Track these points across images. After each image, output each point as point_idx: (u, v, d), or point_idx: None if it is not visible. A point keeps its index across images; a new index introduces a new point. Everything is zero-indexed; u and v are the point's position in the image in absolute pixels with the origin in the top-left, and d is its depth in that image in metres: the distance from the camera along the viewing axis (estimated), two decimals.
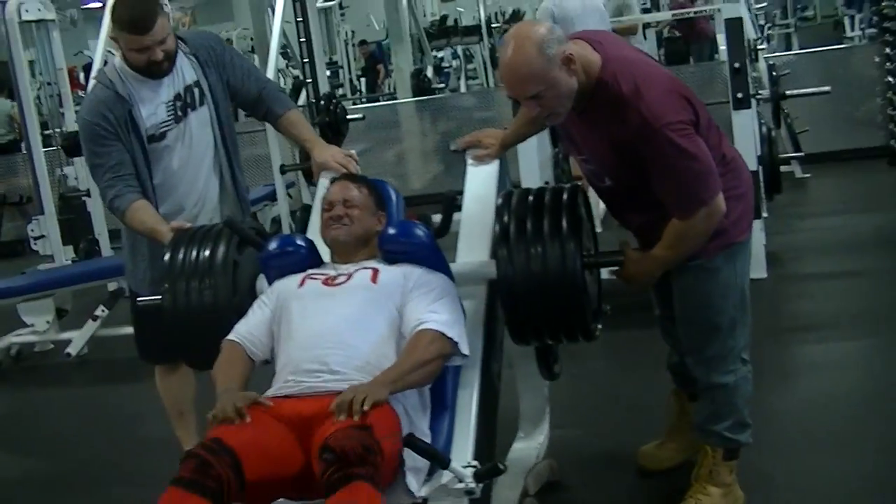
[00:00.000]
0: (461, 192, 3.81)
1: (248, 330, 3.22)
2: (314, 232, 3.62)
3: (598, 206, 8.16)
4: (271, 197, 8.04)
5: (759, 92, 6.95)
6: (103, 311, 6.85)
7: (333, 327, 3.06)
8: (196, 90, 3.94)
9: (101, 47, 8.78)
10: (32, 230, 8.58)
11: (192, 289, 3.36)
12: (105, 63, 7.63)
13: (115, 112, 3.82)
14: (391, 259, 3.30)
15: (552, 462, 3.87)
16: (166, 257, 3.45)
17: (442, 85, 13.55)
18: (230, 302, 3.35)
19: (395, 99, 13.60)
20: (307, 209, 8.10)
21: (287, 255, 3.41)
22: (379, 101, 15.05)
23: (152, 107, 3.87)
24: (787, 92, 7.55)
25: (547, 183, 6.06)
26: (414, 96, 12.38)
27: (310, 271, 3.31)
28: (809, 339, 5.34)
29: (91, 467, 4.95)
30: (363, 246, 3.35)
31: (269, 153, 7.55)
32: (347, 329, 3.06)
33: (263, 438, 2.81)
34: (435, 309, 3.07)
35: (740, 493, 3.57)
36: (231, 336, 3.22)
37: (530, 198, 3.28)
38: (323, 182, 3.89)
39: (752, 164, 6.19)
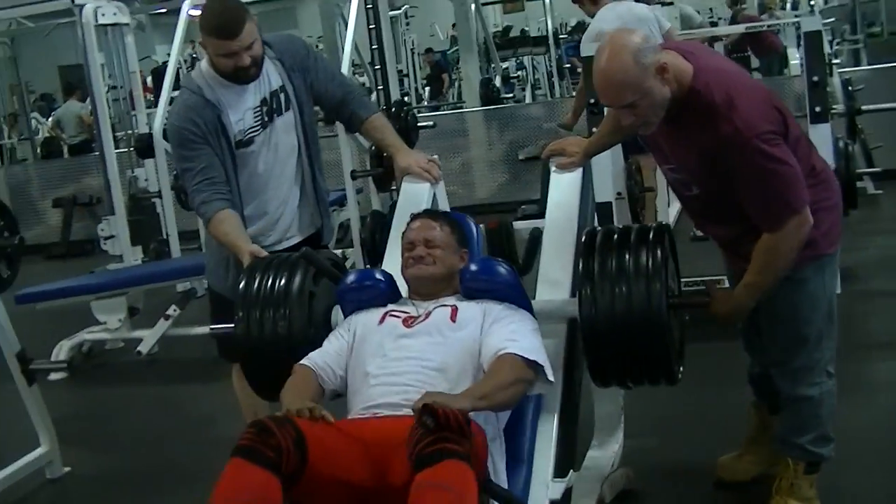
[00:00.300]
0: (525, 203, 3.80)
1: (322, 359, 3.18)
2: (391, 263, 3.58)
3: (667, 219, 8.16)
4: (340, 202, 8.08)
5: (833, 107, 6.88)
6: (175, 310, 6.92)
7: (413, 367, 3.02)
8: (282, 95, 3.94)
9: (175, 54, 8.92)
10: (102, 230, 8.68)
11: (266, 319, 3.32)
12: (181, 68, 7.72)
13: (205, 117, 3.83)
14: (471, 296, 3.26)
15: (628, 470, 3.86)
16: (241, 285, 3.41)
17: (510, 95, 13.58)
18: (305, 333, 3.30)
19: (460, 108, 13.64)
20: (376, 215, 8.18)
21: (365, 289, 3.37)
22: (441, 109, 15.11)
23: (240, 112, 3.88)
24: (863, 107, 7.48)
25: (619, 194, 6.05)
26: (482, 105, 12.43)
27: (391, 307, 3.27)
28: (885, 356, 5.27)
29: (163, 466, 5.01)
30: (445, 284, 3.31)
31: (340, 158, 7.59)
32: (427, 368, 3.01)
33: (333, 438, 2.77)
34: (514, 337, 3.03)
35: None
36: (304, 362, 3.18)
37: (615, 237, 3.20)
38: (405, 186, 3.92)
39: None
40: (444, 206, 4.02)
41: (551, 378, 3.05)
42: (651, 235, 3.16)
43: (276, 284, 3.35)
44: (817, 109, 5.90)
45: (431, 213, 3.52)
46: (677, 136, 3.29)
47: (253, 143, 3.91)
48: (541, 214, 3.97)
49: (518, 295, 3.25)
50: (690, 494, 3.90)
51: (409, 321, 3.16)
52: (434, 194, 3.94)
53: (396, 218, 3.84)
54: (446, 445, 2.51)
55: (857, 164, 7.99)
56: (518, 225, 3.98)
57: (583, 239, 3.29)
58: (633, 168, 6.53)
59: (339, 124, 8.06)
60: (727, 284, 3.80)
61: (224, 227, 3.78)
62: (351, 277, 3.39)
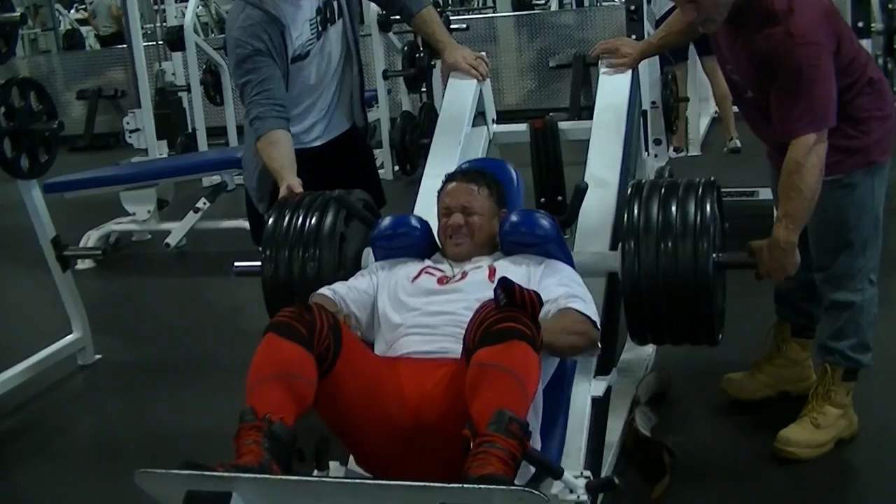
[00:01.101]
0: (554, 110, 3.76)
1: (345, 291, 3.03)
2: (423, 209, 3.46)
3: (699, 131, 8.14)
4: (370, 102, 8.07)
5: (871, 25, 6.80)
6: (205, 203, 6.92)
7: (448, 322, 2.83)
8: (334, 3, 3.88)
9: None
10: (128, 123, 8.69)
11: (295, 259, 3.22)
12: None
13: (271, 34, 3.72)
14: (510, 251, 3.10)
15: (662, 373, 3.88)
16: (269, 223, 3.31)
17: (542, 2, 13.48)
18: (335, 276, 3.17)
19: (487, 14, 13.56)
20: (407, 116, 8.18)
21: (399, 237, 3.19)
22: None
23: (298, 26, 3.80)
24: None
25: (654, 103, 6.01)
26: (514, 11, 12.39)
27: (427, 264, 3.10)
28: None
29: (192, 355, 5.06)
30: (483, 248, 3.13)
31: (371, 58, 7.56)
32: (461, 321, 2.69)
33: (368, 357, 2.73)
34: (577, 295, 2.86)
35: (855, 417, 3.58)
36: (325, 290, 3.02)
37: (662, 189, 3.11)
38: (451, 82, 3.90)
39: None
40: (489, 104, 4.02)
41: (598, 347, 2.91)
42: (700, 190, 3.08)
43: (307, 225, 3.25)
44: (860, 24, 5.83)
45: (468, 175, 3.26)
46: (735, 37, 3.30)
47: (308, 56, 3.84)
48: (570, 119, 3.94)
49: (559, 249, 3.08)
50: (721, 397, 3.92)
51: (443, 280, 3.00)
52: (480, 92, 3.91)
53: (441, 119, 3.82)
54: (516, 325, 2.39)
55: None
56: (563, 125, 3.95)
57: (628, 191, 3.19)
58: (668, 78, 6.50)
59: (372, 24, 8.12)
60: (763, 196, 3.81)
61: (274, 150, 3.67)
62: (385, 224, 3.22)
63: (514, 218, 3.10)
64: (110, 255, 6.54)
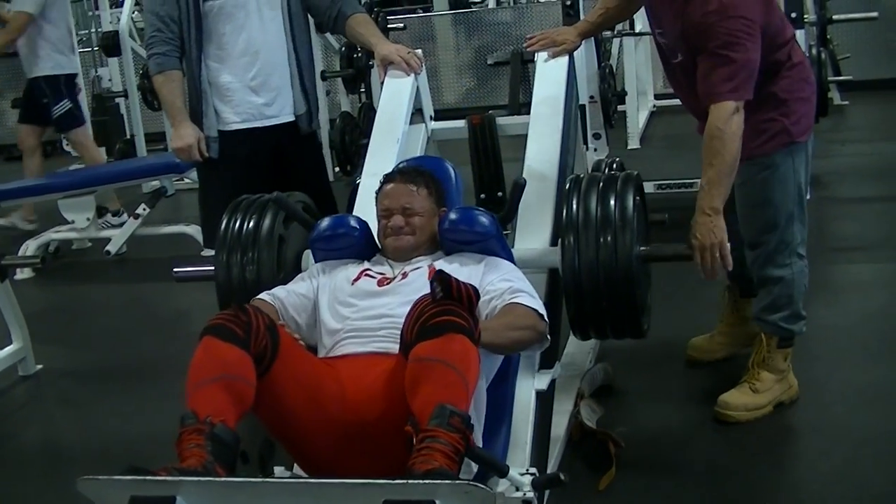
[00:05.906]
0: (493, 108, 3.79)
1: (284, 296, 3.04)
2: (362, 209, 3.45)
3: (638, 125, 8.19)
4: None
5: (804, 16, 6.90)
6: (144, 209, 6.86)
7: (387, 324, 2.82)
8: None
9: None
10: None
11: (235, 263, 3.27)
12: None
13: None
14: (450, 249, 3.10)
15: (606, 365, 3.90)
16: (221, 228, 3.35)
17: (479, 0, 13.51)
18: (274, 279, 3.21)
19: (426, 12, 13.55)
20: (346, 116, 8.16)
21: (338, 238, 3.18)
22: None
23: None
24: (834, 17, 7.51)
25: (592, 98, 6.06)
26: (450, 10, 12.39)
27: (366, 266, 3.09)
28: (853, 258, 5.37)
29: (136, 361, 4.99)
30: (423, 248, 3.13)
31: None
32: (400, 323, 2.62)
33: (306, 356, 2.72)
34: (522, 288, 2.87)
35: (794, 382, 3.74)
36: (265, 295, 3.04)
37: (600, 185, 3.19)
38: (387, 82, 3.91)
39: None
40: (427, 101, 4.04)
41: (548, 339, 2.92)
42: (625, 184, 3.19)
43: (246, 227, 3.29)
44: (793, 15, 5.89)
45: (406, 175, 3.23)
46: (668, 4, 3.41)
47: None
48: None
49: (500, 246, 3.09)
50: (665, 382, 4.00)
51: (384, 282, 2.98)
52: (418, 89, 3.93)
53: (378, 119, 3.82)
54: (453, 319, 2.39)
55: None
56: (501, 121, 3.97)
57: (566, 186, 3.25)
58: (606, 72, 6.55)
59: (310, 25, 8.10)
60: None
61: (174, 87, 4.13)
62: (324, 225, 3.21)
63: (453, 216, 3.10)
64: (50, 264, 6.46)
